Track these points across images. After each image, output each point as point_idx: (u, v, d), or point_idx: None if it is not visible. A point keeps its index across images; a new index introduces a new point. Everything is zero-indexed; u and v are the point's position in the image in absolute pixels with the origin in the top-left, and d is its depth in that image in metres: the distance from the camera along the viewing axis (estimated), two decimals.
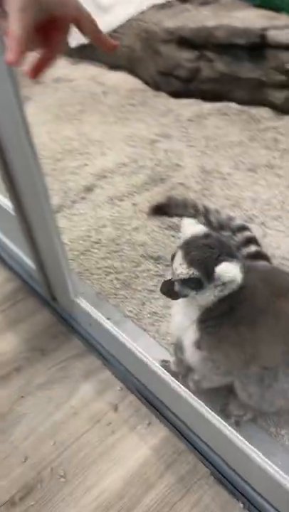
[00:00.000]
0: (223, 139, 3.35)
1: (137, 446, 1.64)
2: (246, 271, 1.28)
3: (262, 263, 1.88)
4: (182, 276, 1.28)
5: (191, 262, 1.26)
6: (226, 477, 1.50)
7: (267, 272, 1.52)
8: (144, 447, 1.63)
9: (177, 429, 1.63)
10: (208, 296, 1.30)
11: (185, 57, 3.79)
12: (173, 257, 1.34)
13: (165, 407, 1.66)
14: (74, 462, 1.60)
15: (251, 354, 1.37)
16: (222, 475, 1.51)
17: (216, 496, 1.49)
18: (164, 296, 2.15)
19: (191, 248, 1.28)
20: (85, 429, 1.69)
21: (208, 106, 3.70)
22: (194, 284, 1.28)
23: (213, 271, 1.24)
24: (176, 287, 1.33)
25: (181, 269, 1.27)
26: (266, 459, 1.32)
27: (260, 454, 1.32)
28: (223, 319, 1.34)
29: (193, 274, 1.26)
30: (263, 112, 3.56)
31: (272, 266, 2.01)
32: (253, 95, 3.60)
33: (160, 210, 2.61)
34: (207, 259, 1.26)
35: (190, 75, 3.77)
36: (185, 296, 1.34)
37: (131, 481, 1.54)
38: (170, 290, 1.35)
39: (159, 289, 1.39)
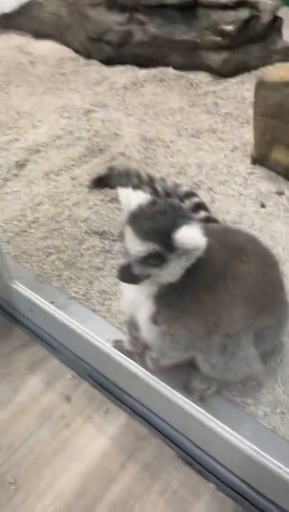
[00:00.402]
0: (162, 106, 3.18)
1: (94, 438, 1.48)
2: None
3: (212, 224, 1.76)
4: (139, 255, 1.09)
5: (145, 235, 1.07)
6: (194, 457, 1.38)
7: (220, 233, 1.39)
8: (103, 437, 1.48)
9: (137, 413, 1.49)
10: (174, 269, 1.13)
11: (115, 20, 3.55)
12: (122, 236, 1.15)
13: (122, 391, 1.51)
14: (25, 466, 1.42)
15: (214, 322, 1.24)
16: (189, 455, 1.39)
17: (184, 479, 1.38)
18: (113, 273, 2.00)
19: (140, 220, 1.10)
20: (35, 427, 1.51)
21: (143, 72, 3.50)
22: (155, 260, 1.10)
23: (172, 239, 1.07)
24: (136, 270, 1.13)
25: (136, 246, 1.09)
26: (234, 432, 1.22)
27: (228, 428, 1.22)
28: (184, 290, 1.19)
29: (151, 248, 1.08)
30: (201, 77, 3.43)
31: (223, 226, 1.90)
32: (189, 59, 3.45)
33: (101, 182, 2.42)
34: (162, 227, 1.08)
35: (121, 39, 3.53)
36: (148, 277, 1.15)
37: (90, 477, 1.39)
38: (129, 275, 1.14)
39: (116, 275, 1.19)
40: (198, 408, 1.26)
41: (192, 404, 1.27)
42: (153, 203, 1.16)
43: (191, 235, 1.07)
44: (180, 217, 1.11)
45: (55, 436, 1.49)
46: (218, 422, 1.22)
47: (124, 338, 1.62)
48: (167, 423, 1.42)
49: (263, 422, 1.42)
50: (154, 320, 1.27)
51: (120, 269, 1.17)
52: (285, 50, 3.48)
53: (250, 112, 3.04)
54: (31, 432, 1.49)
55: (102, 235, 2.14)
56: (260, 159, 2.45)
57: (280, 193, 2.32)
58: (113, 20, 3.55)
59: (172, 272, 1.14)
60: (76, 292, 1.88)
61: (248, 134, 2.83)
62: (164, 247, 1.08)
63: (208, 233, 1.14)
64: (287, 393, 1.52)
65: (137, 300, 1.31)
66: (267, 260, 1.37)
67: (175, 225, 1.09)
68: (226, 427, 1.21)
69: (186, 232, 1.07)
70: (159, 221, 1.09)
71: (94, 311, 1.79)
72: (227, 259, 1.26)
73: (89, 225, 2.18)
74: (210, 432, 1.25)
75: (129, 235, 1.10)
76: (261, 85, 2.19)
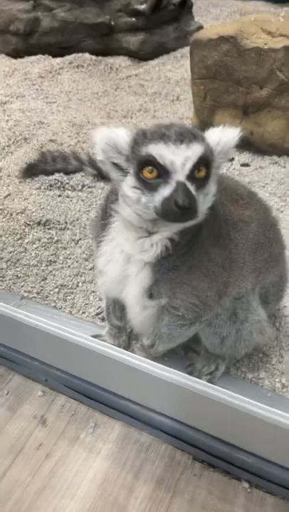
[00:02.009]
0: (85, 92, 2.94)
1: (87, 462, 1.16)
2: None
3: None
4: (193, 161, 0.82)
5: (186, 137, 0.82)
6: (216, 454, 1.12)
7: None
8: (98, 459, 1.16)
9: (136, 418, 1.20)
10: (213, 187, 0.91)
11: (19, 8, 3.25)
12: (141, 171, 0.84)
13: (113, 394, 1.20)
14: None
15: (224, 282, 1.00)
16: (210, 454, 1.13)
17: (209, 485, 1.11)
18: (68, 265, 1.69)
19: (162, 131, 0.84)
20: (7, 465, 1.14)
21: (58, 60, 3.24)
22: (205, 168, 0.85)
23: (207, 140, 0.88)
24: (192, 188, 0.82)
25: (184, 152, 0.81)
26: (270, 408, 0.98)
27: (261, 404, 0.98)
28: (189, 245, 0.95)
29: (200, 149, 0.83)
30: (120, 61, 3.25)
31: None
32: (105, 43, 3.26)
33: (34, 169, 2.10)
34: (193, 129, 0.88)
35: (29, 27, 3.24)
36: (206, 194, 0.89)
37: None
38: (191, 198, 0.81)
39: (170, 214, 0.84)
40: (218, 388, 1.01)
41: (209, 385, 1.01)
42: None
43: (225, 129, 0.91)
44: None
45: (35, 471, 1.14)
46: (245, 398, 0.97)
47: (103, 331, 1.32)
48: (176, 420, 1.15)
49: (285, 394, 1.21)
50: (150, 293, 1.00)
51: (176, 196, 0.81)
52: (198, 31, 3.44)
53: (178, 89, 2.95)
54: (3, 473, 1.13)
55: (46, 224, 1.82)
56: (202, 128, 2.29)
57: (231, 160, 2.18)
58: (17, 8, 3.26)
59: (211, 195, 0.90)
60: (28, 292, 1.54)
61: (181, 109, 2.70)
62: (208, 147, 0.87)
63: None
64: None
65: (123, 275, 1.03)
66: (261, 203, 1.17)
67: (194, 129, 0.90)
68: (257, 403, 0.98)
69: (216, 129, 0.91)
70: (183, 127, 0.88)
71: (56, 308, 1.47)
72: (225, 204, 1.04)
73: (28, 217, 1.85)
74: (234, 415, 1.00)
75: (164, 149, 0.82)
76: (197, 45, 2.05)
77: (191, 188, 0.83)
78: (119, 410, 1.21)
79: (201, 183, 0.85)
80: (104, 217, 1.03)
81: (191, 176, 0.83)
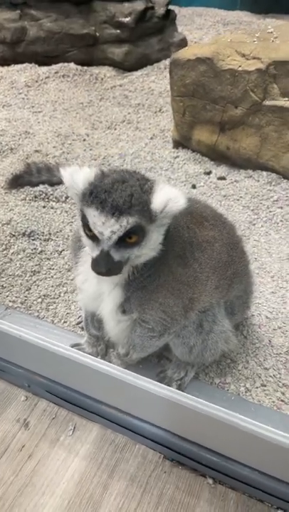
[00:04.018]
0: (70, 102, 3.03)
1: (66, 463, 1.25)
2: None
3: None
4: (119, 234, 0.92)
5: (118, 209, 0.90)
6: (184, 453, 1.23)
7: None
8: (76, 459, 1.26)
9: (112, 421, 1.30)
10: (156, 239, 0.99)
11: (5, 17, 3.31)
12: (86, 225, 0.96)
13: (91, 399, 1.30)
14: None
15: (190, 298, 1.11)
16: (179, 453, 1.24)
17: (178, 481, 1.22)
18: (51, 275, 1.78)
19: (102, 196, 0.92)
20: None
21: (44, 69, 3.32)
22: (136, 236, 0.94)
23: (149, 207, 0.93)
24: (116, 255, 0.94)
25: (111, 227, 0.91)
26: (232, 412, 1.09)
27: (223, 409, 1.09)
28: (155, 266, 1.05)
29: (130, 222, 0.91)
30: (105, 71, 3.34)
31: None
32: (90, 54, 3.34)
33: (19, 180, 2.18)
34: (134, 195, 0.92)
35: (16, 36, 3.31)
36: (127, 260, 0.98)
37: (71, 509, 1.16)
38: (110, 264, 0.94)
39: (95, 270, 0.97)
40: (186, 394, 1.11)
41: (178, 392, 1.11)
42: (104, 175, 1.00)
43: (172, 197, 0.94)
44: (144, 182, 0.97)
45: (18, 471, 1.23)
46: (214, 405, 1.08)
47: (82, 340, 1.42)
48: (149, 423, 1.25)
49: (248, 397, 1.33)
50: (123, 309, 1.11)
51: (94, 263, 0.96)
52: (182, 43, 3.54)
53: (161, 101, 3.05)
54: None
55: (30, 235, 1.91)
56: (182, 142, 2.41)
57: (208, 173, 2.30)
58: (3, 17, 3.31)
59: (154, 243, 1.00)
60: (13, 301, 1.63)
61: (163, 122, 2.80)
62: (144, 216, 0.93)
63: None
64: (261, 365, 1.44)
65: (98, 293, 1.13)
66: (226, 224, 1.28)
67: (145, 191, 0.95)
68: (220, 408, 1.08)
69: (164, 194, 0.94)
70: (125, 190, 0.93)
71: (39, 318, 1.56)
72: (190, 227, 1.15)
73: (14, 228, 1.93)
74: (202, 419, 1.11)
75: (96, 219, 0.92)
76: (176, 65, 2.15)
77: (116, 253, 0.94)
78: (97, 414, 1.31)
79: (133, 244, 0.95)
80: (79, 239, 1.13)
81: (119, 242, 0.93)
